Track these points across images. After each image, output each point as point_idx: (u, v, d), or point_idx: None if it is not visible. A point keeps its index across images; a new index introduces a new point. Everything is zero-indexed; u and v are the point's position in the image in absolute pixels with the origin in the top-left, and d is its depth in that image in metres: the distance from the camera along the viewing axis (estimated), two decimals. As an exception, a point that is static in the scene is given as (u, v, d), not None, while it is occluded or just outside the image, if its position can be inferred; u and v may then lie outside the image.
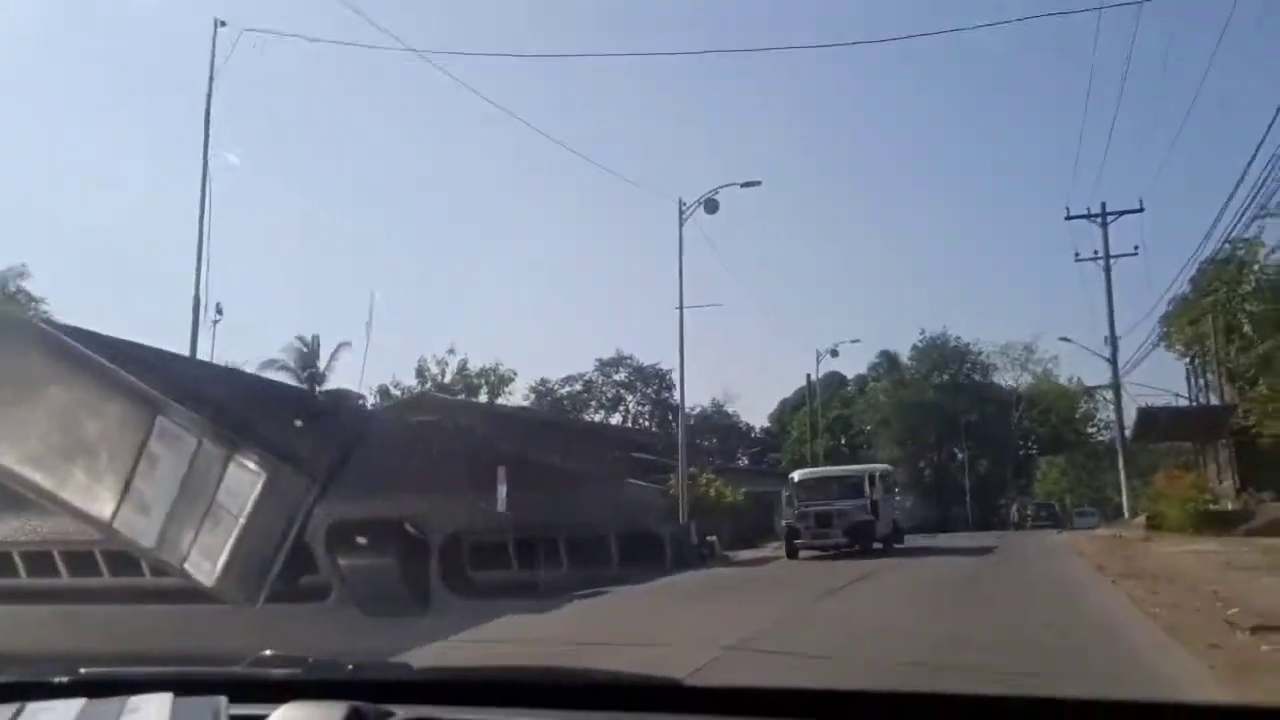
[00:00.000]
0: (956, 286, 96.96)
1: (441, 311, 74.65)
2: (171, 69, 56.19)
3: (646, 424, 60.20)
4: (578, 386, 58.94)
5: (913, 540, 26.64)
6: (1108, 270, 33.64)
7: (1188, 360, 47.33)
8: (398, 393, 41.93)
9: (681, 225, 27.73)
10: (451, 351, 35.08)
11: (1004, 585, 13.67)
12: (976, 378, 63.86)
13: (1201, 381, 44.92)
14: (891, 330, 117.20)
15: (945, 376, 62.84)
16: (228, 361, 23.56)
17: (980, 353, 63.07)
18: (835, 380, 68.17)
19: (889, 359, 63.24)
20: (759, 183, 29.60)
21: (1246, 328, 33.43)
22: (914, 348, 62.89)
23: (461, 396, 30.81)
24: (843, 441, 64.88)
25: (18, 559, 5.77)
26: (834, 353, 36.46)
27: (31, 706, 1.28)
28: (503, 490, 14.82)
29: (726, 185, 28.71)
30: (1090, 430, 74.03)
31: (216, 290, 32.58)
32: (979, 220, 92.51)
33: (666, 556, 18.38)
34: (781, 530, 25.20)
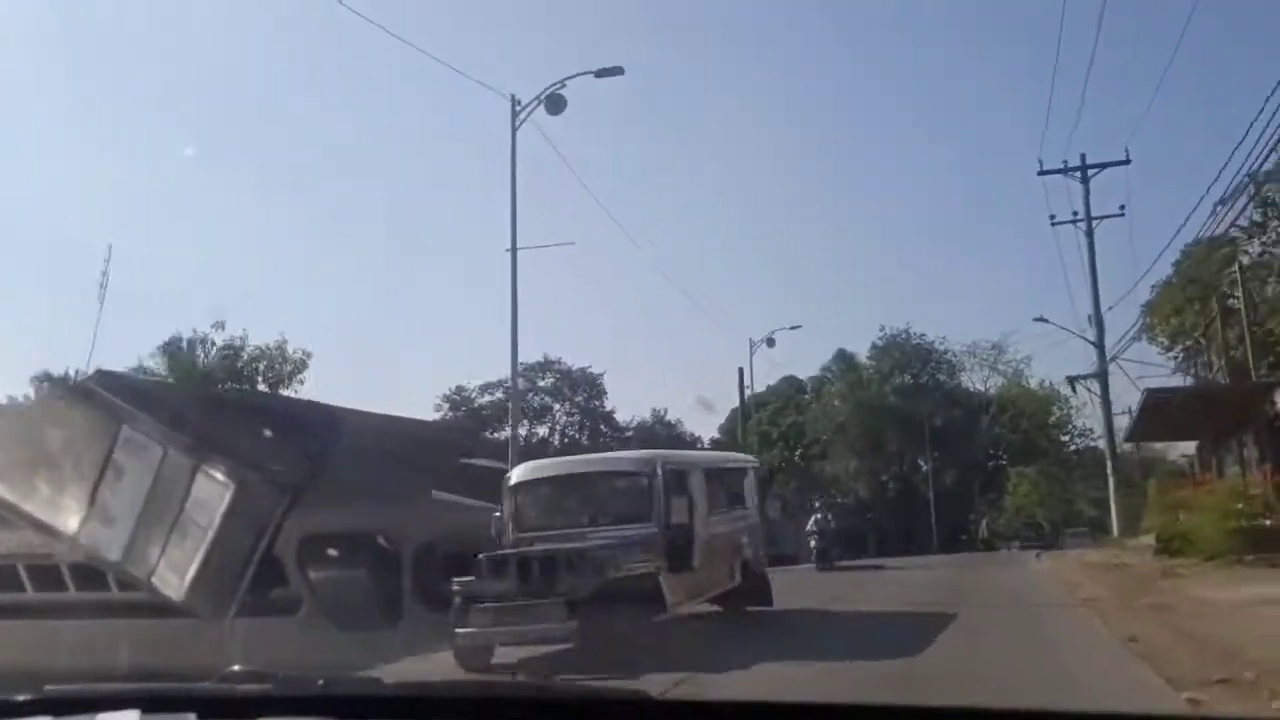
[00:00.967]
0: (920, 276, 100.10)
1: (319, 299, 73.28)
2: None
3: (576, 435, 60.24)
4: (499, 394, 58.64)
5: (834, 582, 21.73)
6: (1090, 234, 34.28)
7: (1172, 354, 49.10)
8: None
9: (515, 128, 22.86)
10: (218, 326, 30.92)
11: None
12: (942, 378, 65.34)
13: (1192, 377, 46.45)
14: (850, 329, 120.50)
15: (908, 378, 64.17)
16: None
17: (946, 351, 64.68)
18: (790, 385, 69.29)
19: (845, 359, 64.38)
20: (620, 71, 23.21)
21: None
22: (873, 346, 64.21)
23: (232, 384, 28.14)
24: (798, 453, 65.88)
25: None
26: (770, 341, 36.96)
27: None
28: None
29: (578, 75, 23.20)
30: (1064, 438, 76.30)
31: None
32: (943, 200, 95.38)
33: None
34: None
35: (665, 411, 67.89)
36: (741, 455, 23.33)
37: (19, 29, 56.12)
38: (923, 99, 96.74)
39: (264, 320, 64.92)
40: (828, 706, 1.63)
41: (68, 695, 1.64)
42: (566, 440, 59.92)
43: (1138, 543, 26.29)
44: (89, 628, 5.70)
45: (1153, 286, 48.10)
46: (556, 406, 59.82)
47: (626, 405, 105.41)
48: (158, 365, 30.96)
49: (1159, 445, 72.00)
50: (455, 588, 11.00)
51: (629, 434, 68.86)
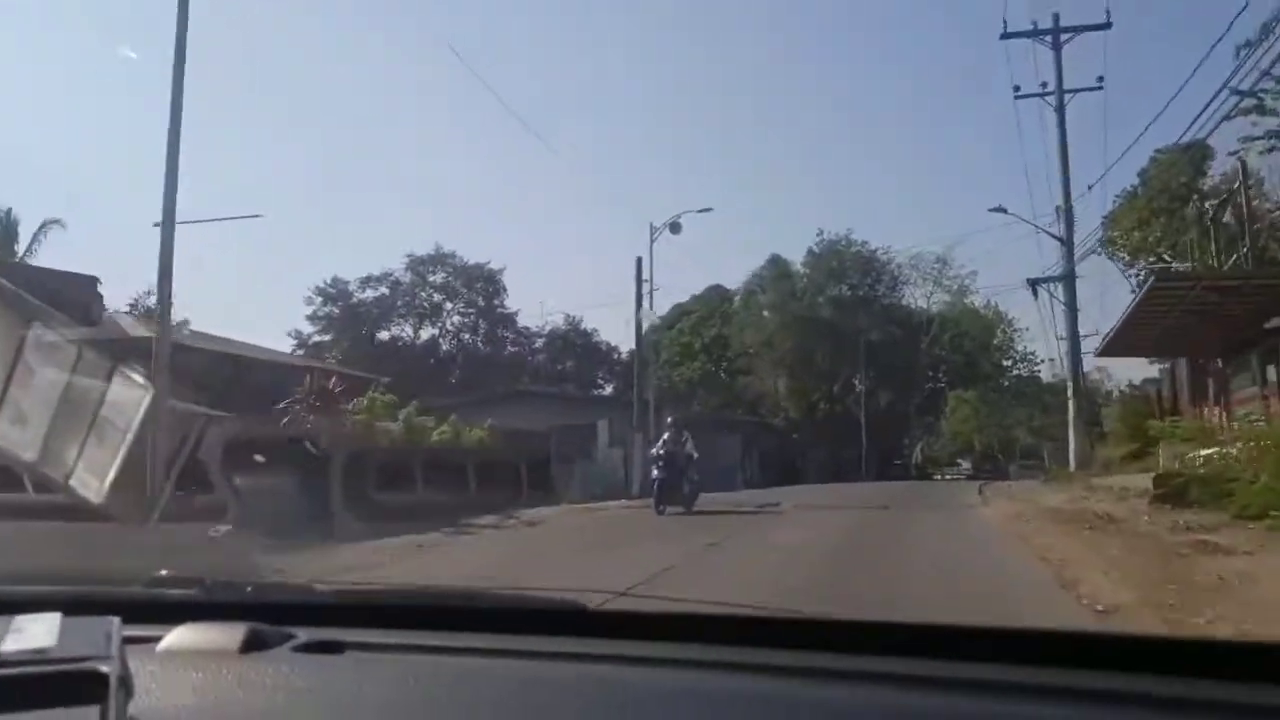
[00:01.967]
0: (865, 168, 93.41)
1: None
2: None
3: (470, 338, 53.58)
4: (383, 289, 51.55)
5: (633, 538, 14.23)
6: (1060, 110, 28.38)
7: (1134, 271, 43.97)
8: None
9: None
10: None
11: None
12: (881, 292, 59.39)
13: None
14: (788, 232, 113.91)
15: (844, 289, 58.12)
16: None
17: (889, 261, 58.55)
18: (717, 295, 62.96)
19: (777, 265, 58.01)
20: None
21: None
22: (809, 253, 57.85)
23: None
24: (722, 366, 59.87)
25: None
26: (675, 227, 30.43)
27: None
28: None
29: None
30: (1007, 363, 71.71)
31: None
32: (891, 77, 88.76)
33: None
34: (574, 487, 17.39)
35: (580, 319, 61.41)
36: None
37: None
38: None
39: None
40: (769, 619, 1.65)
41: None
42: (460, 344, 53.32)
43: (1108, 483, 20.68)
44: (5, 530, 6.03)
45: (1115, 196, 43.16)
46: (449, 305, 52.82)
47: (533, 308, 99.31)
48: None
49: (1097, 374, 68.10)
50: None
51: (538, 342, 62.46)
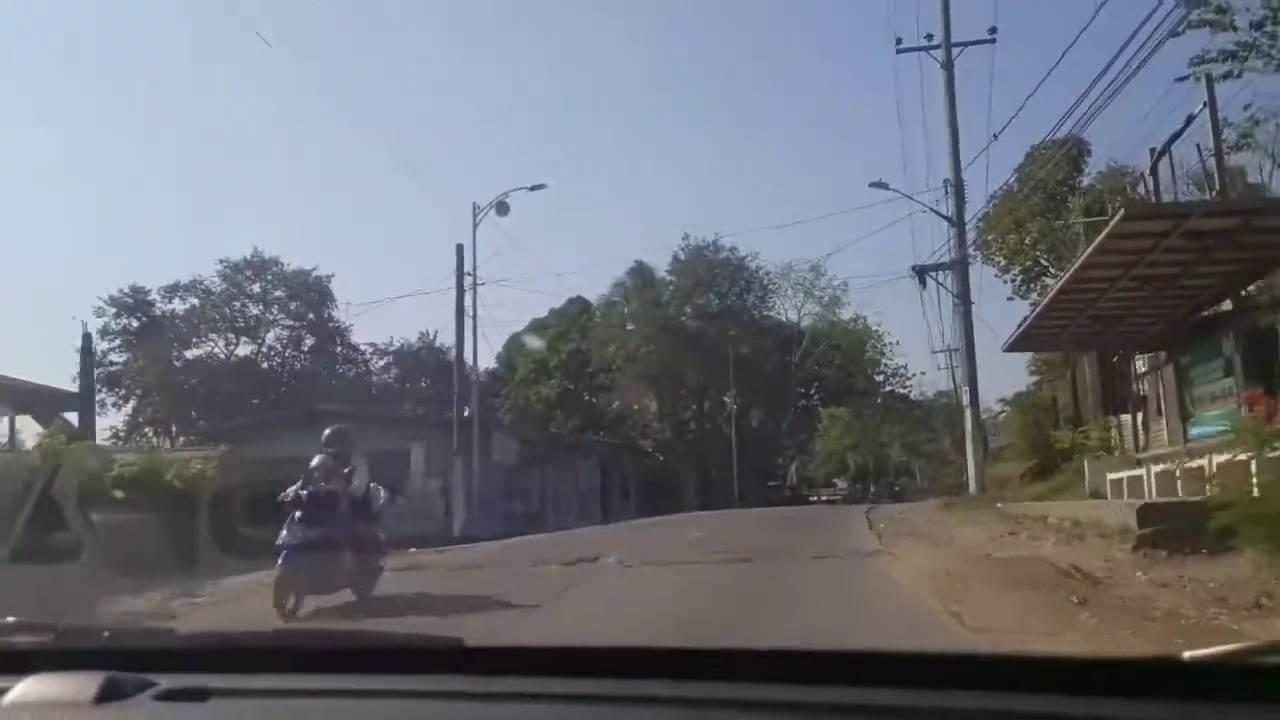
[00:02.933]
0: (732, 157, 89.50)
1: None
2: None
3: (293, 354, 47.12)
4: (193, 300, 44.71)
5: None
6: (949, 65, 24.40)
7: (1009, 276, 40.91)
8: None
9: None
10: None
11: None
12: (751, 302, 55.36)
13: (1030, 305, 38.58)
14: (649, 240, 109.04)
15: (713, 298, 53.83)
16: None
17: (759, 269, 54.53)
18: (577, 307, 57.83)
19: (640, 273, 53.34)
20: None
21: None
22: (674, 259, 53.35)
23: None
24: (583, 384, 54.76)
25: None
26: (502, 207, 25.21)
27: None
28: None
29: None
30: (878, 378, 69.10)
31: None
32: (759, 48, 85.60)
33: None
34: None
35: (435, 334, 55.44)
36: None
37: None
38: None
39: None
40: (645, 650, 1.61)
41: None
42: (283, 362, 46.76)
43: (1027, 510, 16.47)
44: None
45: (990, 198, 40.36)
46: (270, 316, 46.18)
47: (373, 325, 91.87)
48: None
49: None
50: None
51: (387, 357, 56.30)
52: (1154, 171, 16.74)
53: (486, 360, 65.15)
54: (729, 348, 51.93)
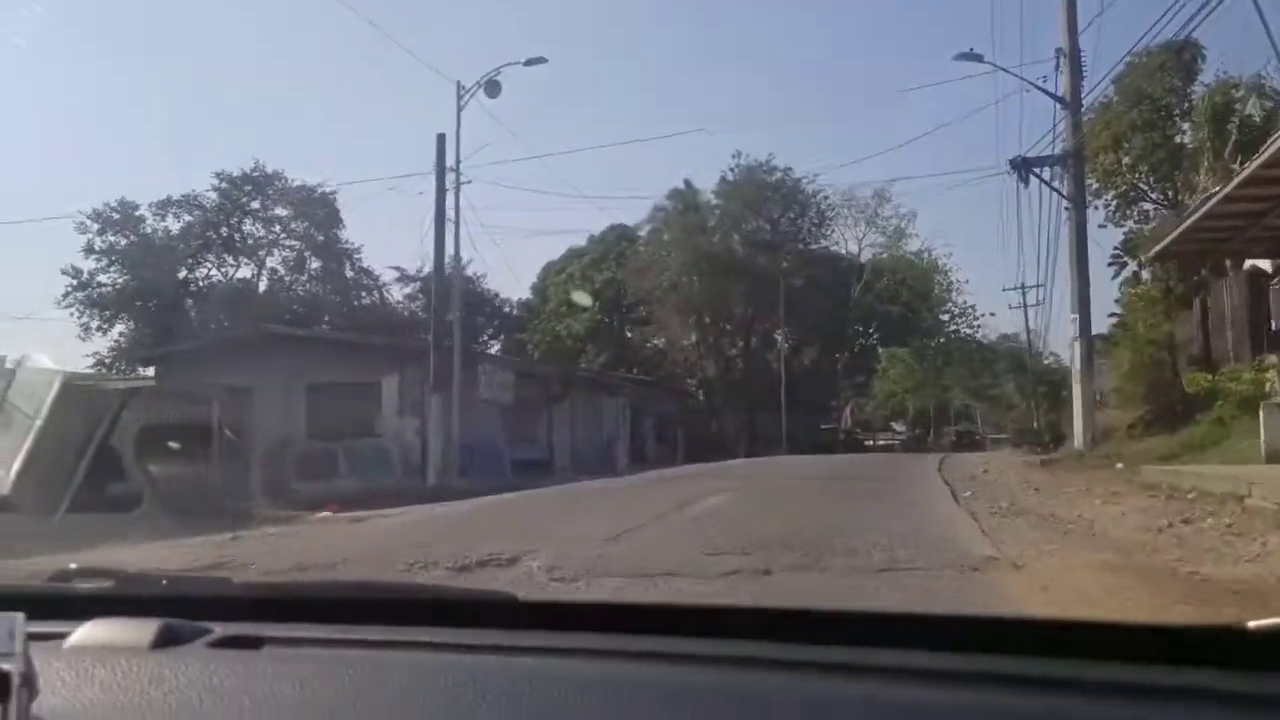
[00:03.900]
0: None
1: None
2: None
3: (300, 277, 42.82)
4: (187, 217, 40.50)
5: None
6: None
7: (1103, 202, 35.37)
8: None
9: None
10: None
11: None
12: (806, 229, 49.88)
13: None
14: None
15: (764, 225, 48.42)
16: None
17: (818, 194, 48.84)
18: (618, 235, 52.58)
19: (685, 195, 48.01)
20: None
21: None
22: (722, 180, 47.87)
23: None
24: (619, 317, 49.92)
25: None
26: (491, 87, 20.08)
27: None
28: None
29: None
30: (944, 317, 63.62)
31: None
32: None
33: None
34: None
35: (467, 261, 50.88)
36: None
37: None
38: None
39: None
40: (695, 609, 1.65)
41: None
42: (287, 285, 42.50)
43: (1176, 482, 11.58)
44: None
45: (1085, 113, 34.60)
46: (271, 236, 41.79)
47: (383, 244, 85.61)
48: None
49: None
50: None
51: (414, 284, 51.97)
52: None
53: (509, 287, 60.78)
54: (780, 279, 46.70)
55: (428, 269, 51.31)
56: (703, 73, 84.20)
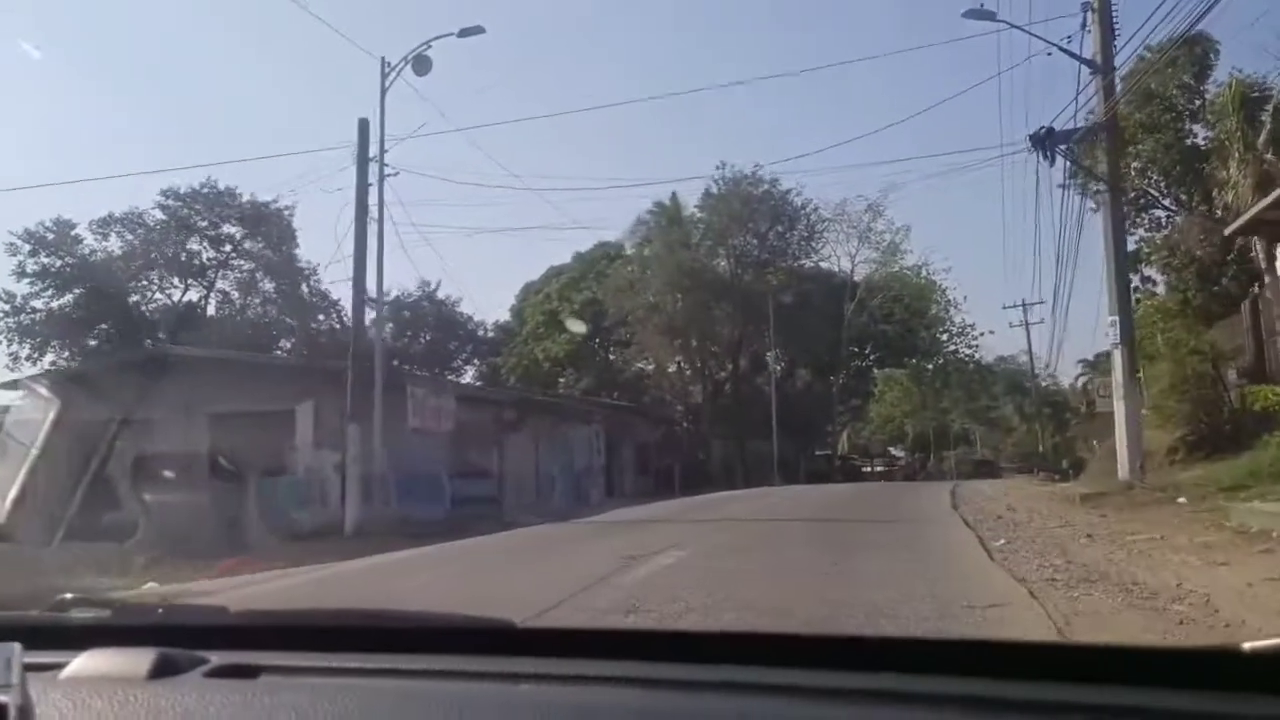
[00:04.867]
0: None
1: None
2: None
3: (254, 300, 39.66)
4: (130, 237, 37.35)
5: None
6: None
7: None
8: None
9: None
10: None
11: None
12: (794, 242, 46.84)
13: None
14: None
15: (751, 239, 45.40)
16: None
17: (807, 205, 45.83)
18: (600, 251, 49.30)
19: (667, 208, 44.96)
20: None
21: None
22: (706, 192, 44.82)
23: None
24: (596, 338, 46.70)
25: None
26: (420, 63, 17.06)
27: None
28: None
29: None
30: (942, 336, 60.65)
31: None
32: None
33: None
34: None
35: (436, 285, 47.84)
36: None
37: None
38: None
39: None
40: (694, 634, 1.61)
41: None
42: (240, 309, 39.33)
43: (1272, 513, 8.53)
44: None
45: (1088, 115, 31.87)
46: (219, 256, 38.56)
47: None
48: None
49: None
50: None
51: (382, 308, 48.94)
52: None
53: (500, 313, 57.55)
54: (770, 297, 43.64)
55: (395, 292, 48.74)
56: (676, 45, 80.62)
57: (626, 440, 35.44)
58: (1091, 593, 6.79)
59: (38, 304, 36.22)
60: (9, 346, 35.12)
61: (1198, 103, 29.15)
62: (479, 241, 79.69)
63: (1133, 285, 37.99)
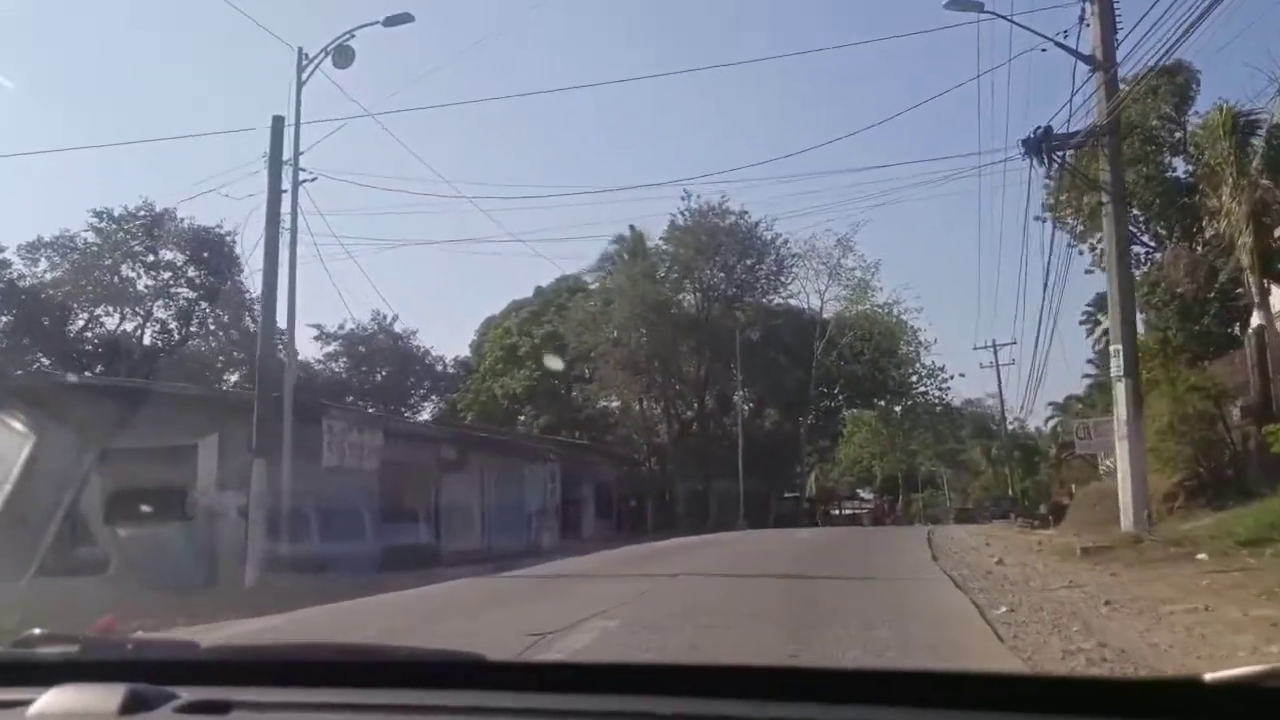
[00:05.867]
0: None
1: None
2: None
3: (195, 331, 37.37)
4: (66, 266, 35.04)
5: None
6: None
7: (1088, 245, 31.20)
8: None
9: None
10: None
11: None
12: (763, 276, 45.20)
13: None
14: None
15: (718, 273, 43.71)
16: None
17: (776, 238, 44.20)
18: (564, 285, 47.35)
19: (630, 241, 43.21)
20: None
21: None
22: (672, 224, 43.12)
23: None
24: (556, 377, 44.68)
25: None
26: (342, 54, 15.18)
27: None
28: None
29: None
30: (914, 377, 59.26)
31: None
32: None
33: None
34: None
35: (392, 318, 45.68)
36: None
37: None
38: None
39: None
40: (668, 668, 1.62)
41: None
42: (180, 340, 37.03)
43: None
44: None
45: (1085, 118, 30.40)
46: (159, 278, 36.27)
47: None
48: None
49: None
50: None
51: (334, 343, 47.02)
52: None
53: (460, 348, 55.39)
54: (737, 333, 41.94)
55: (349, 325, 46.60)
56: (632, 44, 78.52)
57: (586, 480, 33.36)
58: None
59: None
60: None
61: (1178, 134, 28.00)
62: (419, 259, 76.02)
63: (1096, 333, 36.57)
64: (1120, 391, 12.77)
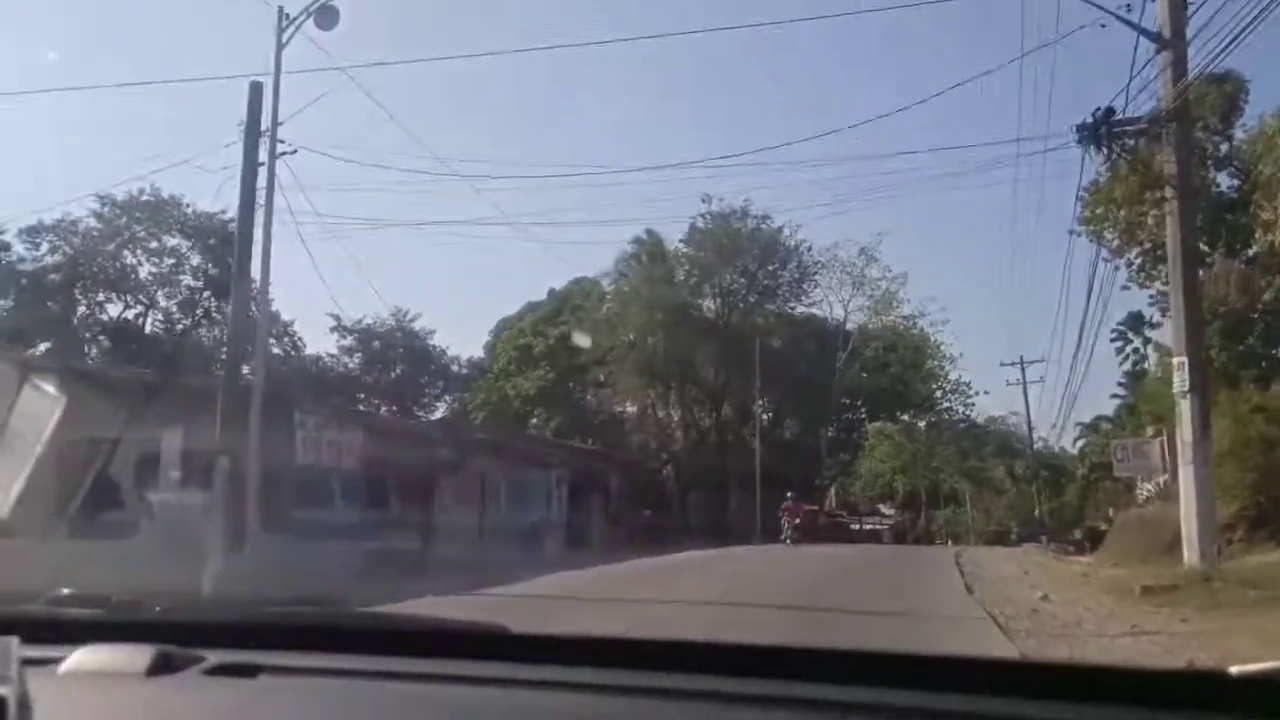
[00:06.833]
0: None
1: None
2: None
3: (199, 320, 36.26)
4: (63, 249, 34.00)
5: None
6: None
7: (1125, 260, 29.34)
8: None
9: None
10: None
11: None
12: (784, 282, 43.66)
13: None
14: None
15: (739, 278, 42.16)
16: None
17: (799, 244, 42.66)
18: (581, 287, 45.96)
19: (648, 244, 41.75)
20: None
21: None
22: (692, 228, 41.68)
23: None
24: (569, 379, 43.25)
25: None
26: (325, 15, 13.99)
27: None
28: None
29: None
30: (939, 392, 57.80)
31: None
32: None
33: None
34: None
35: (412, 315, 44.48)
36: None
37: None
38: None
39: None
40: (693, 645, 1.59)
41: None
42: (186, 329, 35.95)
43: None
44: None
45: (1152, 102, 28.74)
46: (161, 265, 35.19)
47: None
48: None
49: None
50: None
51: (349, 336, 45.77)
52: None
53: (472, 348, 54.12)
54: (756, 340, 40.41)
55: (367, 320, 45.36)
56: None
57: (596, 488, 31.89)
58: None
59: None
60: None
61: (1225, 148, 26.36)
62: (441, 261, 73.14)
63: (1135, 347, 34.67)
64: (1185, 408, 11.17)
